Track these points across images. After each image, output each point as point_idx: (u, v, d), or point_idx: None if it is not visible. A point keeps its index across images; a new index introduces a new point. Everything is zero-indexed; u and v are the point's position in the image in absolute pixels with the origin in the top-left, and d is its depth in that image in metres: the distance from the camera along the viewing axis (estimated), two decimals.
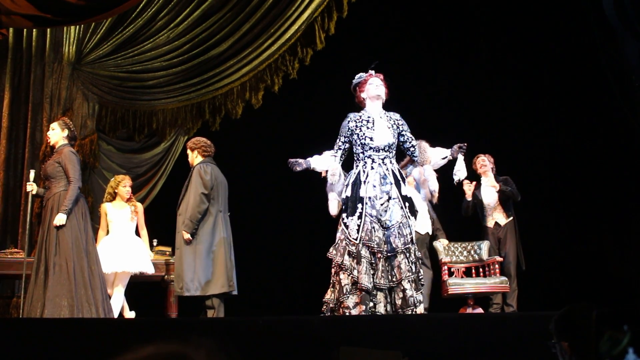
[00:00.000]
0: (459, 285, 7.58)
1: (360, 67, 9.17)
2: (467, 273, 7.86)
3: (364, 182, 5.72)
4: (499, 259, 7.74)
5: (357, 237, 5.59)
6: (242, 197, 7.84)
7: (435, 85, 9.41)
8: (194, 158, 7.13)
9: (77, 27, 8.74)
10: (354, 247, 5.60)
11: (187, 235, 6.75)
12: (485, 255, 7.82)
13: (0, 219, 8.33)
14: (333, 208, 5.97)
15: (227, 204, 7.11)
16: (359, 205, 5.67)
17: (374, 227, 5.61)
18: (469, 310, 7.67)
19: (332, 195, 5.98)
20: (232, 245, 7.02)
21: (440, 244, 7.91)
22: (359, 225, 5.62)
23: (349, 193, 5.75)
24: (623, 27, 7.46)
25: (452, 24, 9.55)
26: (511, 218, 8.01)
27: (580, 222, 9.03)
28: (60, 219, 6.18)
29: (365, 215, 5.63)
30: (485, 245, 7.88)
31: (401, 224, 5.68)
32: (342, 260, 5.62)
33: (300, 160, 5.98)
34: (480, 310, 7.76)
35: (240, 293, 7.17)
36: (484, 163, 8.06)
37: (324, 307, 5.76)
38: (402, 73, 9.10)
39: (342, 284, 5.60)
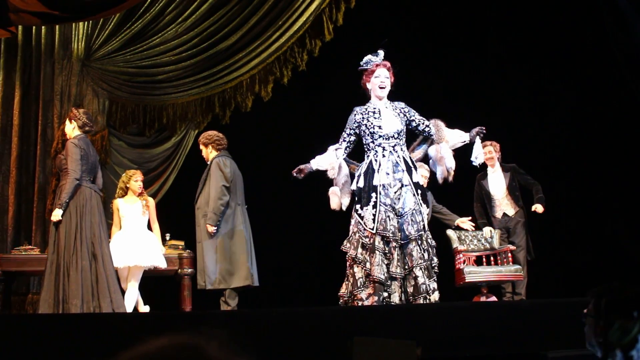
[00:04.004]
0: (475, 273, 7.55)
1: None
2: (478, 262, 7.84)
3: (377, 170, 5.73)
4: (512, 247, 7.71)
5: (373, 227, 5.59)
6: (254, 189, 7.84)
7: (444, 74, 9.38)
8: (209, 153, 7.15)
9: (86, 23, 8.75)
10: (368, 239, 5.61)
11: (213, 228, 6.79)
12: (496, 244, 7.80)
13: (14, 216, 8.37)
14: (333, 202, 5.98)
15: (244, 196, 7.14)
16: (373, 195, 5.67)
17: (388, 216, 5.61)
18: (483, 299, 7.66)
19: (333, 189, 5.98)
20: (252, 238, 7.06)
21: (454, 232, 7.87)
22: (374, 215, 5.61)
23: (361, 184, 5.75)
24: (633, 10, 7.42)
25: (461, 11, 9.51)
26: (520, 208, 7.97)
27: (592, 207, 8.99)
28: (55, 214, 6.16)
29: (380, 204, 5.63)
30: (496, 234, 7.86)
31: (414, 211, 5.69)
32: (356, 254, 5.64)
33: (302, 167, 6.00)
34: (494, 298, 7.75)
35: (256, 288, 7.20)
36: (491, 155, 7.97)
37: (340, 300, 5.77)
38: (411, 62, 9.08)
39: (356, 277, 5.64)
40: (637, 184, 8.63)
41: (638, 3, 7.35)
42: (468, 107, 9.04)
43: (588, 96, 9.13)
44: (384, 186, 5.67)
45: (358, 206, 5.75)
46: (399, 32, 9.42)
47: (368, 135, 5.84)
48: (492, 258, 7.79)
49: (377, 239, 5.59)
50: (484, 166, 7.94)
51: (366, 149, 5.90)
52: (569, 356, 4.45)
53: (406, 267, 5.61)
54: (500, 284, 7.78)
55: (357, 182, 5.82)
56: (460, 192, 7.88)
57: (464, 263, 7.65)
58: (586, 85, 9.12)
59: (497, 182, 8.01)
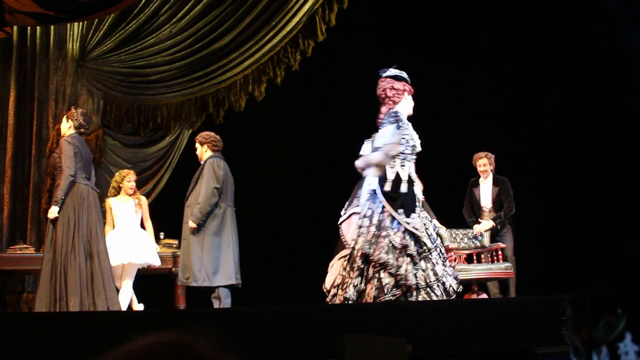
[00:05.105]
0: (466, 271, 7.61)
1: (362, 58, 9.23)
2: (468, 259, 7.90)
3: (415, 183, 5.81)
4: (502, 245, 7.78)
5: (420, 236, 5.63)
6: (246, 188, 7.89)
7: (435, 79, 9.42)
8: (204, 152, 7.22)
9: (81, 24, 8.78)
10: (403, 245, 5.58)
11: (194, 225, 6.86)
12: (487, 242, 7.86)
13: (9, 215, 8.41)
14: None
15: (233, 199, 7.20)
16: (418, 204, 5.74)
17: (427, 226, 5.74)
18: (474, 296, 7.72)
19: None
20: (238, 239, 7.13)
21: (445, 230, 7.92)
22: (416, 225, 5.65)
23: (405, 189, 5.72)
24: (623, 12, 7.47)
25: (453, 15, 9.56)
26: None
27: (581, 210, 9.05)
28: (51, 212, 6.19)
29: (422, 214, 5.76)
30: (486, 232, 7.92)
31: (428, 224, 5.81)
32: (387, 258, 5.53)
33: None
34: (484, 295, 7.81)
35: (246, 285, 7.25)
36: (485, 168, 8.03)
37: (338, 300, 5.71)
38: (402, 65, 9.10)
39: (383, 283, 5.50)
40: (624, 184, 8.70)
41: (628, 5, 7.41)
42: (458, 109, 9.11)
43: (577, 98, 9.18)
44: (419, 199, 5.81)
45: (399, 211, 5.66)
46: (390, 35, 9.49)
47: (410, 147, 5.84)
48: (482, 256, 7.85)
49: (415, 246, 5.60)
50: (477, 173, 8.05)
51: (403, 158, 5.82)
52: (558, 352, 4.50)
53: (433, 276, 5.66)
54: (492, 281, 7.84)
55: (398, 187, 5.73)
56: (448, 197, 7.97)
57: (454, 261, 7.70)
58: (576, 87, 9.17)
59: (486, 194, 8.09)
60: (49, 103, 8.64)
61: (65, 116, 6.68)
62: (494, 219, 7.90)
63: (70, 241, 6.13)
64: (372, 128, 9.35)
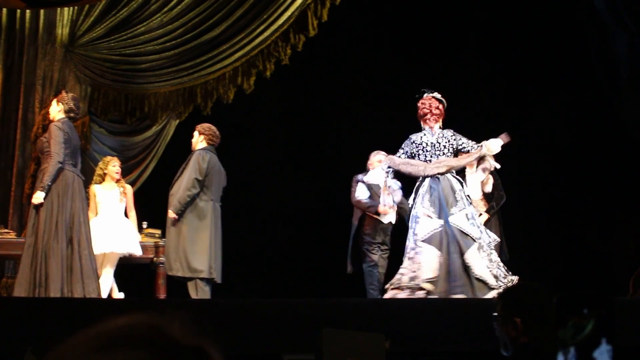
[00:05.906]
0: None
1: (352, 54, 9.24)
2: None
3: None
4: None
5: None
6: (232, 181, 7.88)
7: (426, 75, 9.44)
8: (198, 142, 7.19)
9: (71, 9, 8.73)
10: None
11: (173, 215, 6.85)
12: None
13: None
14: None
15: (220, 194, 7.17)
16: None
17: None
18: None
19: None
20: (221, 235, 7.09)
21: None
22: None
23: None
24: (612, 20, 7.51)
25: (444, 15, 9.58)
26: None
27: (565, 212, 9.11)
28: (36, 197, 6.12)
29: None
30: None
31: None
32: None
33: None
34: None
35: (230, 279, 7.24)
36: None
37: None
38: (394, 62, 9.15)
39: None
40: (611, 188, 8.77)
41: (617, 12, 7.45)
42: (449, 109, 9.11)
43: (566, 103, 9.23)
44: None
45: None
46: (382, 32, 9.50)
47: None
48: None
49: None
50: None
51: None
52: None
53: None
54: None
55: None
56: None
57: None
58: (565, 91, 9.22)
59: (473, 185, 8.06)
60: (35, 88, 8.60)
61: (55, 99, 6.63)
62: (487, 211, 7.93)
63: (52, 227, 6.09)
64: (361, 124, 9.40)
